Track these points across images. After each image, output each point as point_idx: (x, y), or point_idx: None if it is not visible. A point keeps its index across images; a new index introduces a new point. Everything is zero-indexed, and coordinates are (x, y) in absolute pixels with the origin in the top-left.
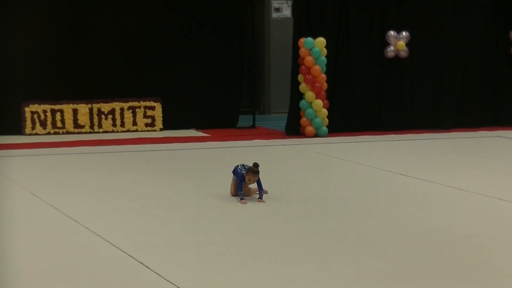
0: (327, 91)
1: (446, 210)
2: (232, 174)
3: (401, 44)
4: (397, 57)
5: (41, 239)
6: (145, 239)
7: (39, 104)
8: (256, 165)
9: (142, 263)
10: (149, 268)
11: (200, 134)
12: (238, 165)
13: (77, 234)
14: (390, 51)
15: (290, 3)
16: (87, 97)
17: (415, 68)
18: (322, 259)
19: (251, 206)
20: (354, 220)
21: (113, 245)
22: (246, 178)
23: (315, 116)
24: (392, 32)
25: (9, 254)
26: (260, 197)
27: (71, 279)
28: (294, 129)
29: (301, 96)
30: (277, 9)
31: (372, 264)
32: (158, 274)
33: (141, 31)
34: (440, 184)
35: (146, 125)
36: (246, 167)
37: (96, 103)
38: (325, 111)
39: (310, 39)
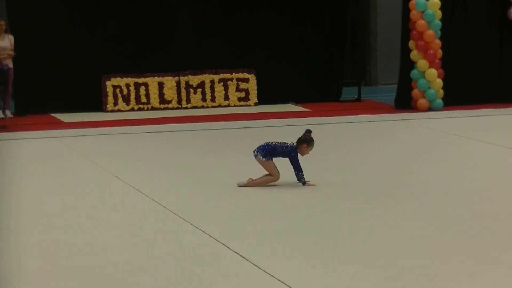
0: (441, 59)
1: None
2: (259, 156)
3: None
4: None
5: (127, 228)
6: (238, 227)
7: (121, 77)
8: (309, 131)
9: (237, 253)
10: (245, 259)
11: (299, 108)
12: (263, 146)
13: (165, 221)
14: None
15: None
16: (174, 68)
17: None
18: (435, 250)
19: (354, 189)
20: (474, 205)
21: (205, 232)
22: (305, 150)
23: (428, 88)
24: None
25: (93, 245)
26: (303, 182)
27: (159, 272)
28: (404, 103)
29: (412, 65)
30: None
31: (494, 255)
32: (256, 265)
33: None
34: None
35: (239, 99)
36: (273, 144)
37: (183, 76)
38: (439, 82)
39: (422, 0)
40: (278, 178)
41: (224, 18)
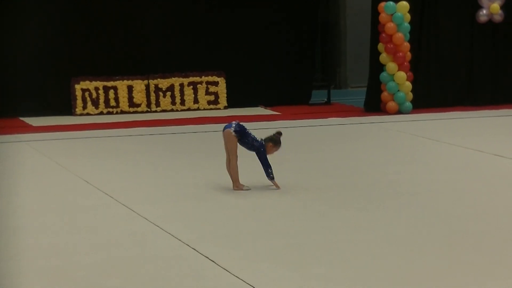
0: (411, 61)
1: None
2: (232, 132)
3: (495, 6)
4: (490, 22)
5: (95, 230)
6: (207, 230)
7: (91, 80)
8: (280, 133)
9: (206, 257)
10: (214, 262)
11: (268, 112)
12: (240, 125)
13: (134, 223)
14: (483, 15)
15: None
16: (143, 71)
17: (511, 34)
18: (404, 252)
19: (324, 191)
20: (443, 207)
21: (173, 235)
22: (271, 150)
23: (398, 90)
24: None
25: (60, 247)
26: (271, 177)
27: (127, 275)
28: (374, 105)
29: (381, 67)
30: None
31: (465, 258)
32: (224, 269)
33: None
34: None
35: (209, 102)
36: (248, 131)
37: (153, 79)
38: (408, 85)
39: (391, 3)
40: (237, 157)
41: (193, 20)
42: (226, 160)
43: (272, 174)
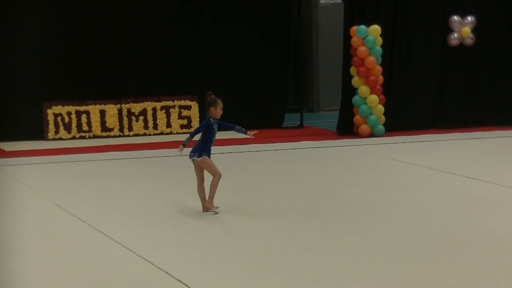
0: (383, 85)
1: None
2: (195, 158)
3: (466, 30)
4: (461, 45)
5: (67, 255)
6: (180, 253)
7: (63, 105)
8: (209, 93)
9: (179, 280)
10: (187, 286)
11: (241, 135)
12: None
13: (106, 248)
14: (454, 38)
15: None
16: (116, 96)
17: (482, 57)
18: (378, 274)
19: (297, 214)
20: (414, 228)
21: (146, 260)
22: (216, 112)
23: (370, 113)
24: (455, 17)
25: (30, 272)
26: (244, 131)
27: None
28: (346, 128)
29: (354, 91)
30: None
31: (438, 279)
32: None
33: (173, 22)
34: None
35: (182, 126)
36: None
37: (125, 103)
38: (381, 108)
39: (363, 26)
40: (220, 174)
41: (165, 44)
42: (197, 184)
43: (242, 128)
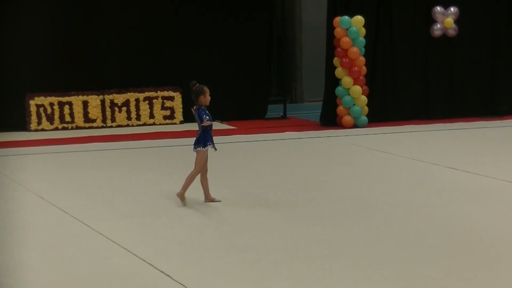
0: (366, 76)
1: (503, 209)
2: (198, 148)
3: (449, 21)
4: (444, 36)
5: (51, 247)
6: (165, 246)
7: (45, 96)
8: (193, 84)
9: (163, 272)
10: (172, 278)
11: (225, 126)
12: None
13: (90, 240)
14: (437, 29)
15: None
16: (99, 87)
17: (465, 48)
18: (362, 266)
19: (280, 206)
20: (398, 220)
21: (131, 252)
22: (205, 100)
23: (353, 104)
24: (438, 8)
25: (14, 265)
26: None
27: None
28: (329, 119)
29: (337, 82)
30: None
31: (420, 271)
32: (181, 284)
33: (156, 13)
34: (495, 179)
35: (165, 117)
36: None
37: (108, 94)
38: (364, 99)
39: (346, 17)
40: (199, 171)
41: (148, 36)
42: (200, 175)
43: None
